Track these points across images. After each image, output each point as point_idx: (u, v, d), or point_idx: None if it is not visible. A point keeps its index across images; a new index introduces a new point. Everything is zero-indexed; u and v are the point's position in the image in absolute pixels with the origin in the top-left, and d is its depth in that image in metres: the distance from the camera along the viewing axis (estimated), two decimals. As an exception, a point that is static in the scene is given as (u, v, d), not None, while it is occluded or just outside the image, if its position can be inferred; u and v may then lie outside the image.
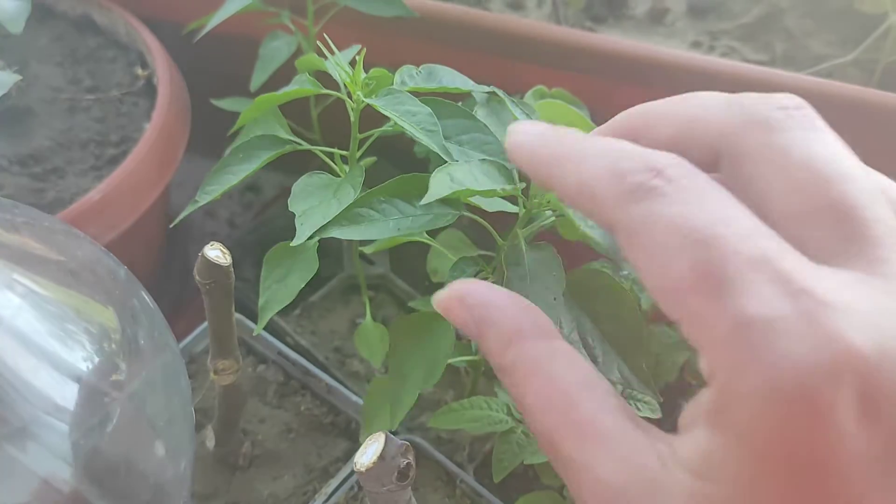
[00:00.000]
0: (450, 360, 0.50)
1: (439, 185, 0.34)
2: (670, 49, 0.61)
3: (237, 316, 0.53)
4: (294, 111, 0.48)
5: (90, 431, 0.27)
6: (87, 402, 0.28)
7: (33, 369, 0.26)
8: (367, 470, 0.32)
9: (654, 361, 0.48)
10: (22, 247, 0.26)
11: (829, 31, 0.71)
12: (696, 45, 0.70)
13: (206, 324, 0.55)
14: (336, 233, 0.37)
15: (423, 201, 0.33)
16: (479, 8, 0.73)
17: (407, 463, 0.33)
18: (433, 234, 0.59)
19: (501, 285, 0.45)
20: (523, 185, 0.38)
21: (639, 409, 0.44)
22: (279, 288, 0.43)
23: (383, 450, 0.32)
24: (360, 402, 0.52)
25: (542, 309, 0.34)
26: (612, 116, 0.28)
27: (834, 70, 0.68)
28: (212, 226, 0.80)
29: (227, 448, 0.49)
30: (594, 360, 0.37)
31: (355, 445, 0.51)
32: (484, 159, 0.37)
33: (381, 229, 0.36)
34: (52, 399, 0.26)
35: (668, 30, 0.72)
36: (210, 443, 0.49)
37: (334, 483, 0.48)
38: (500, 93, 0.40)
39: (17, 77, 0.53)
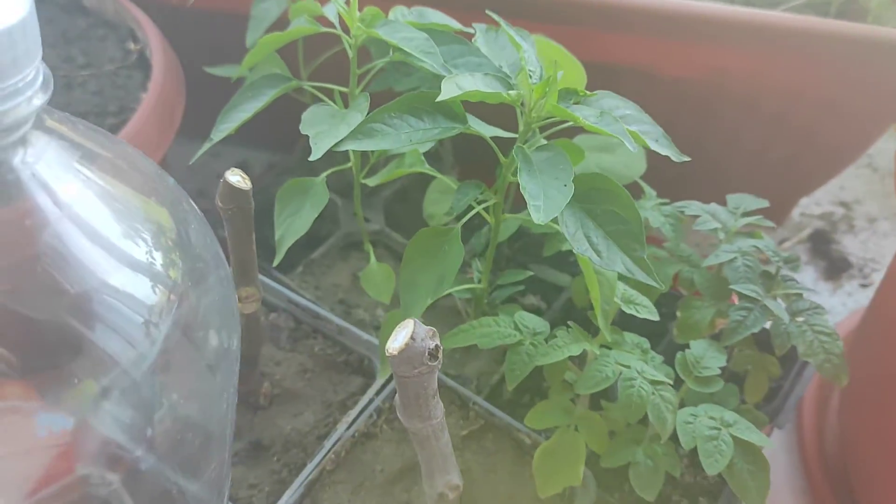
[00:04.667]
0: (452, 290, 0.53)
1: (449, 88, 0.36)
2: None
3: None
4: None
5: (151, 317, 0.29)
6: (147, 292, 0.30)
7: (92, 253, 0.28)
8: (399, 352, 0.35)
9: (648, 276, 0.51)
10: (75, 139, 0.28)
11: (783, -22, 0.75)
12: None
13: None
14: (352, 145, 0.39)
15: (438, 98, 0.35)
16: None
17: (436, 345, 0.35)
18: (428, 182, 0.62)
19: (505, 201, 0.47)
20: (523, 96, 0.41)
21: (638, 313, 0.47)
22: (294, 220, 0.46)
23: (413, 332, 0.34)
24: (372, 339, 0.54)
25: (555, 196, 0.37)
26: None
27: (789, 11, 0.72)
28: (204, 203, 0.81)
29: (247, 387, 0.51)
30: (598, 255, 0.40)
31: (370, 381, 0.53)
32: (486, 73, 0.39)
33: (394, 141, 0.39)
34: (110, 283, 0.28)
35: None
36: (231, 383, 0.50)
37: (354, 413, 0.50)
38: (497, 18, 0.43)
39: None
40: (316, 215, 0.45)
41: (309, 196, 0.46)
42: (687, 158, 0.43)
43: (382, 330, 0.50)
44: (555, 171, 0.39)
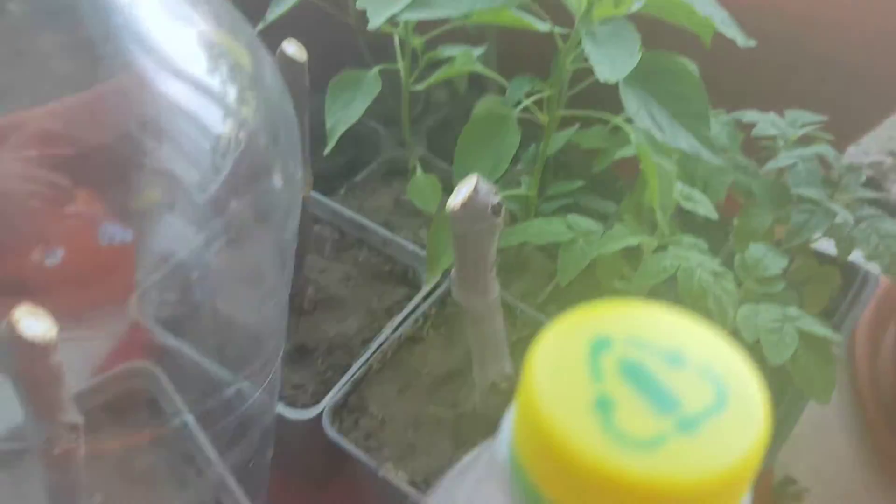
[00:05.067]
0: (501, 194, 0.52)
1: None
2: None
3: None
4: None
5: (219, 146, 0.29)
6: (216, 120, 0.29)
7: (161, 64, 0.27)
8: (462, 206, 0.34)
9: (703, 185, 0.50)
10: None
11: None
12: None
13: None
14: (411, 14, 0.38)
15: None
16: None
17: (499, 201, 0.34)
18: (472, 101, 0.60)
19: (560, 92, 0.46)
20: None
21: (697, 209, 0.45)
22: (345, 112, 0.45)
23: (476, 185, 0.33)
24: (418, 250, 0.53)
25: (622, 59, 0.35)
26: None
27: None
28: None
29: (291, 290, 0.50)
30: (661, 131, 0.39)
31: (414, 291, 0.52)
32: None
33: (455, 7, 0.38)
34: (178, 101, 0.28)
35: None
36: (276, 285, 0.50)
37: (399, 317, 0.49)
38: None
39: None
40: (367, 105, 0.45)
41: (361, 87, 0.45)
42: (752, 43, 0.42)
43: (429, 236, 0.49)
44: (620, 41, 0.37)
